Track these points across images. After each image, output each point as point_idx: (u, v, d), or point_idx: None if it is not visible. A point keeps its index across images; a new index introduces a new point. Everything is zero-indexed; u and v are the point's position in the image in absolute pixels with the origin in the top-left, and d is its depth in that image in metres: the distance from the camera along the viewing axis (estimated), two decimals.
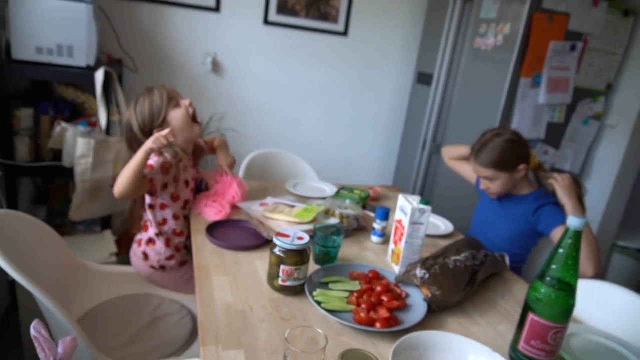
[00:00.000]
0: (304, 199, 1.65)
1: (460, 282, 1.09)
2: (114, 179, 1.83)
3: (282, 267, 1.02)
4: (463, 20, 2.39)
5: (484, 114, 2.23)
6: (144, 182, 1.28)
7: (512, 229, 1.54)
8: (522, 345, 0.89)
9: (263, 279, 1.10)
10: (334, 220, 1.39)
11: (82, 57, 1.81)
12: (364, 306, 0.99)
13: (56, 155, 1.85)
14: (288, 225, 1.33)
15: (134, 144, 1.37)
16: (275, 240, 1.03)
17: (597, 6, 2.16)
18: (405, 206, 1.20)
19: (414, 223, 1.18)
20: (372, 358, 0.73)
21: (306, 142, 2.83)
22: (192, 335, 1.30)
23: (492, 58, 2.20)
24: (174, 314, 1.34)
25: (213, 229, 1.33)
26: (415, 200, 1.20)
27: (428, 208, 1.18)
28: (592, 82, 2.34)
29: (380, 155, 3.03)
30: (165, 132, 1.24)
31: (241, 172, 2.01)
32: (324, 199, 1.64)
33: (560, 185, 1.41)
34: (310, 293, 1.02)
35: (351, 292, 1.05)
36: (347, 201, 1.51)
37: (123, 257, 1.73)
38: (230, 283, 1.07)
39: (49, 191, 2.18)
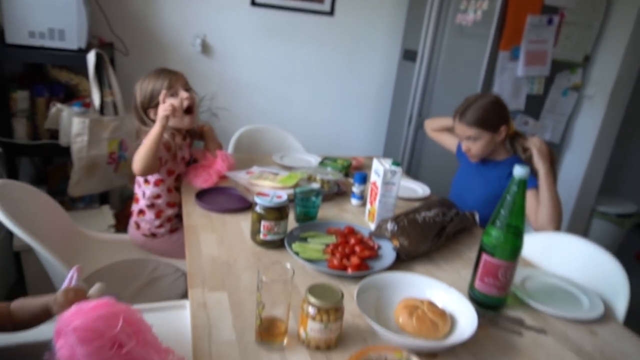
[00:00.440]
0: (288, 168, 1.74)
1: (427, 234, 1.19)
2: (110, 156, 1.95)
3: (263, 222, 1.12)
4: None
5: (465, 87, 2.30)
6: None
7: (487, 191, 1.63)
8: (477, 283, 1.00)
9: (247, 237, 1.20)
10: (315, 185, 1.48)
11: (73, 40, 1.89)
12: (338, 255, 1.09)
13: (53, 135, 1.94)
14: (272, 190, 1.42)
15: (136, 115, 1.50)
16: (256, 199, 1.13)
17: None
18: (379, 169, 1.29)
19: (386, 183, 1.28)
20: (336, 289, 0.83)
21: (296, 119, 2.90)
22: (186, 294, 1.40)
23: (472, 33, 2.27)
24: (169, 275, 1.44)
25: (202, 196, 1.43)
26: (387, 163, 1.29)
27: (399, 169, 1.27)
28: (570, 55, 2.41)
29: (369, 131, 3.12)
30: (167, 104, 1.35)
31: (230, 147, 2.09)
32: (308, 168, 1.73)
33: (537, 149, 1.48)
34: (290, 245, 1.12)
35: (327, 244, 1.15)
36: (329, 168, 1.61)
37: (122, 231, 1.83)
38: (217, 240, 1.18)
39: (48, 172, 2.27)
